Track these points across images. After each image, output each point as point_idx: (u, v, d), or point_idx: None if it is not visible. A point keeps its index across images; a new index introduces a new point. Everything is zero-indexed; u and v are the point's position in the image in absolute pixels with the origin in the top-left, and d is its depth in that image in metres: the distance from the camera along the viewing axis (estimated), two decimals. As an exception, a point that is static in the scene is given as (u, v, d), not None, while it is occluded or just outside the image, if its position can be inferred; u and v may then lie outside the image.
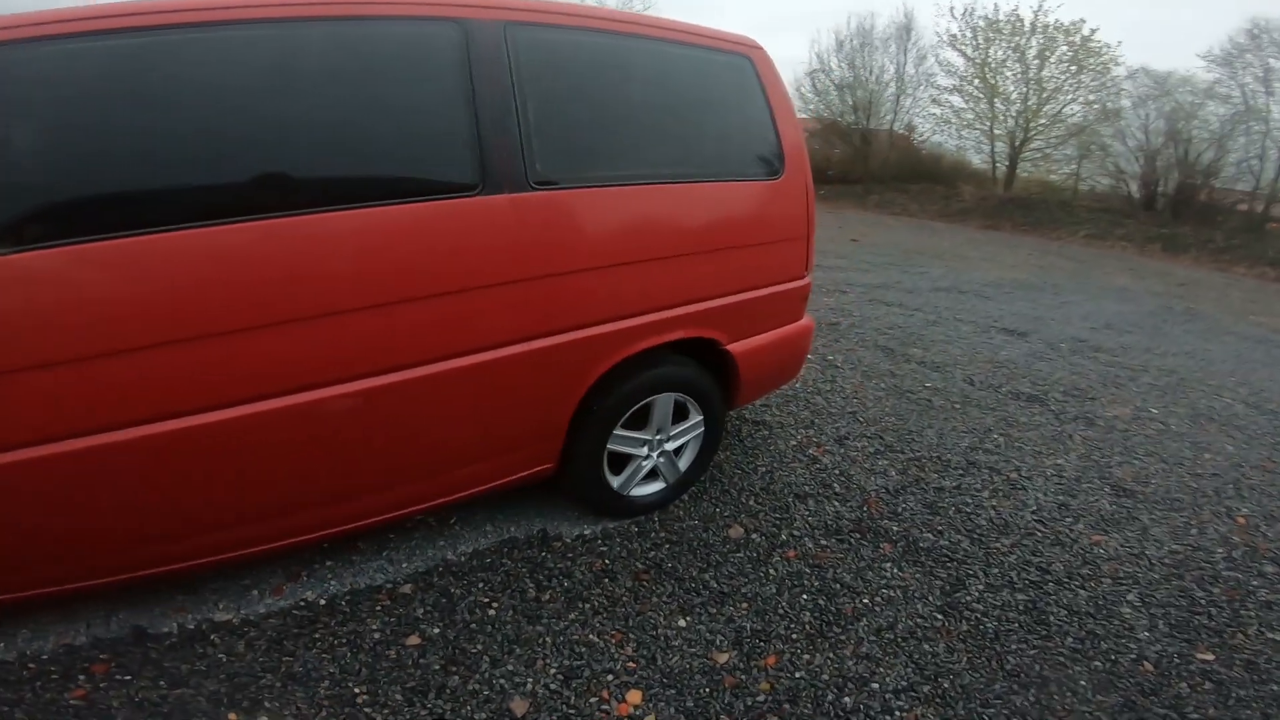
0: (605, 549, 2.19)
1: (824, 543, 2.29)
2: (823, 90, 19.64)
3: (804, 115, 22.90)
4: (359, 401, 1.62)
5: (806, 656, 1.81)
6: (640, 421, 2.25)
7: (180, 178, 1.43)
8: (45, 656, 1.65)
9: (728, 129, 2.25)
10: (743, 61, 2.25)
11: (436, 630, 1.81)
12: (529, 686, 1.66)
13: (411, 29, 1.62)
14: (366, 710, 1.57)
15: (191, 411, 1.44)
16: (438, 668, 1.69)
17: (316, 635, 1.77)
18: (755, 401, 3.21)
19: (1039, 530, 2.43)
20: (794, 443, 2.96)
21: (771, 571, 2.14)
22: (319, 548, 2.07)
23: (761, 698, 1.68)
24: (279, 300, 1.48)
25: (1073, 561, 2.27)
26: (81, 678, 1.60)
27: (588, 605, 1.94)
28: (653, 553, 2.19)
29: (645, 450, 2.31)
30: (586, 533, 2.26)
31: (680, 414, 2.34)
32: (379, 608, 1.88)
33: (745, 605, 1.99)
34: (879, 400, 3.49)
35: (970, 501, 2.58)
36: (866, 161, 18.95)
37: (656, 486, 2.41)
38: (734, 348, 2.30)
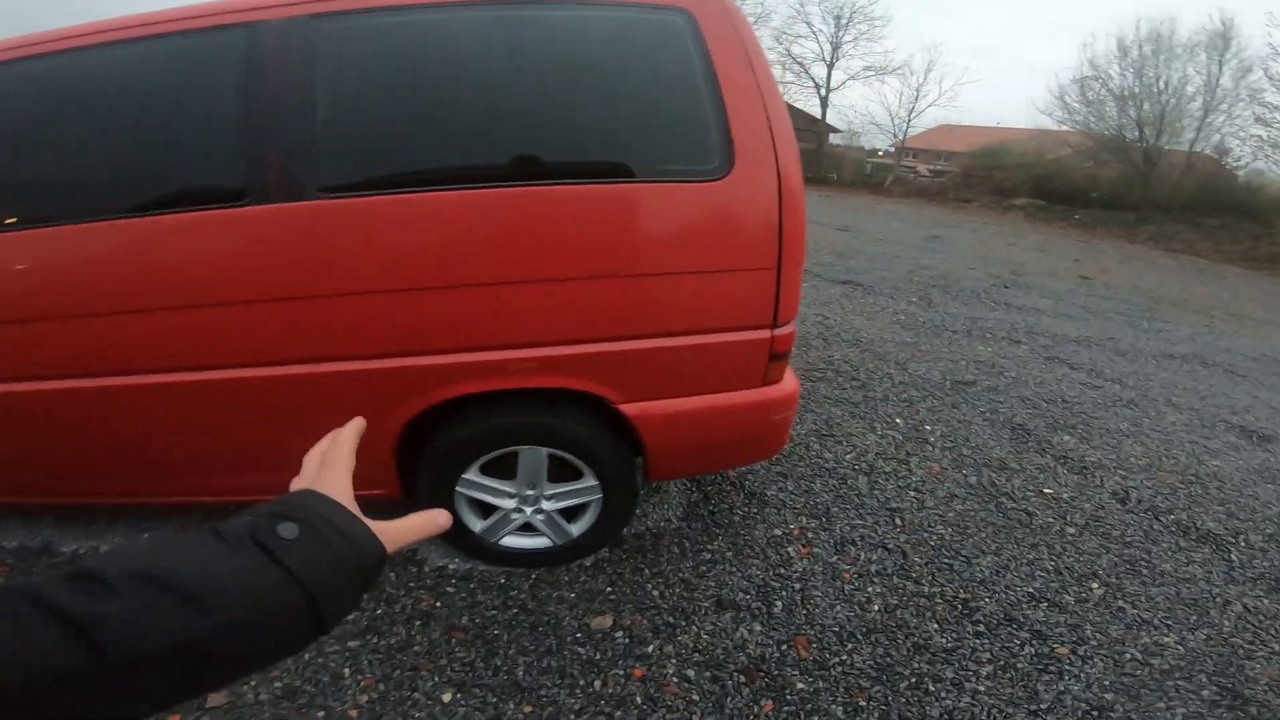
0: (450, 590, 1.91)
1: (690, 675, 1.64)
2: (1095, 100, 16.00)
3: (1067, 127, 19.02)
4: (123, 397, 1.62)
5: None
6: (509, 470, 1.83)
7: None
8: None
9: (627, 113, 1.60)
10: (674, 19, 1.57)
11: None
12: (249, 686, 1.58)
13: (196, 41, 1.54)
14: None
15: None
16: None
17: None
18: (729, 471, 2.53)
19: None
20: (779, 532, 2.22)
21: (599, 685, 1.61)
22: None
23: None
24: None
25: None
26: None
27: (376, 640, 1.73)
28: (492, 612, 1.83)
29: (513, 502, 1.88)
30: (451, 567, 2.01)
31: (574, 472, 1.85)
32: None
33: (531, 710, 1.52)
34: (949, 500, 2.49)
35: (959, 692, 1.63)
36: (1147, 184, 14.96)
37: (539, 543, 1.99)
38: (632, 409, 1.72)
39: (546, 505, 1.91)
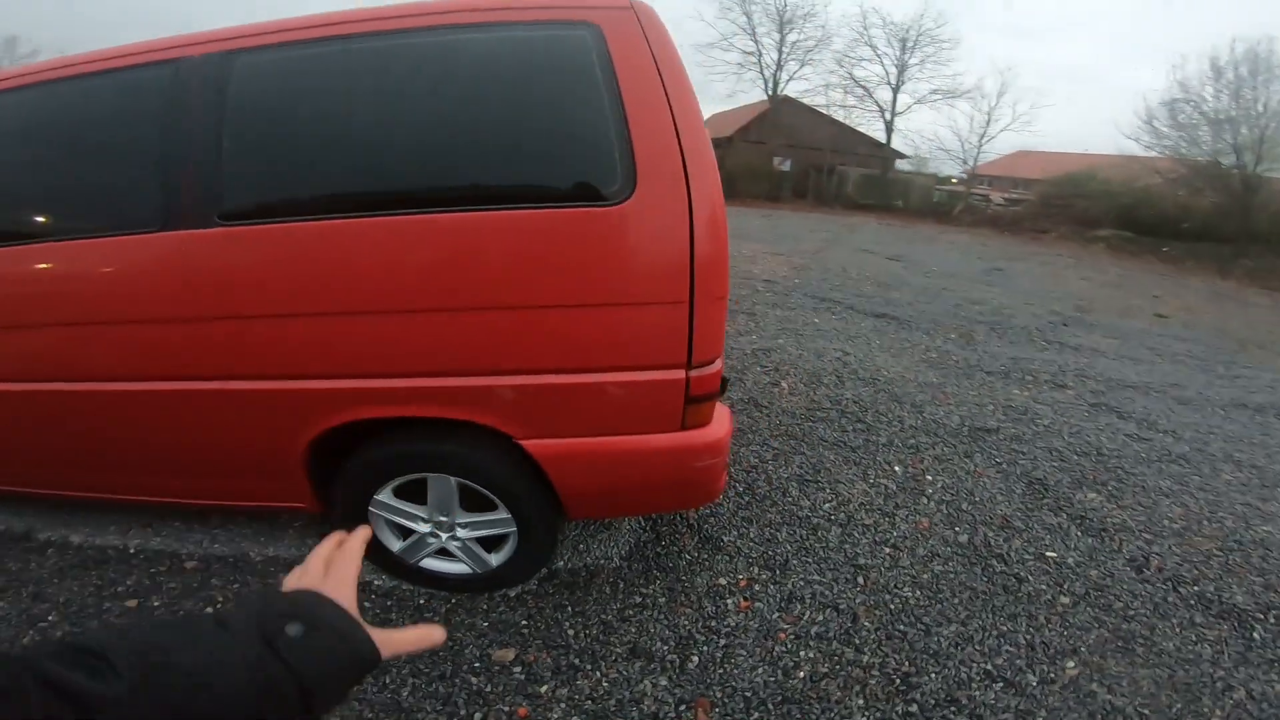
0: (366, 605, 1.82)
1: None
2: (1187, 124, 14.82)
3: (1156, 153, 17.67)
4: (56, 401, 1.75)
5: None
6: (422, 495, 1.79)
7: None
8: None
9: (528, 135, 1.53)
10: (580, 34, 1.52)
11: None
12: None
13: (131, 77, 1.62)
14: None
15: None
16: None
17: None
18: (649, 515, 2.39)
19: None
20: (723, 581, 2.06)
21: (478, 718, 1.54)
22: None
23: None
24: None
25: None
26: None
27: None
28: (378, 624, 1.72)
29: (427, 527, 1.84)
30: (376, 583, 2.01)
31: (491, 503, 1.79)
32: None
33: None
34: (928, 560, 2.25)
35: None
36: (1246, 215, 13.64)
37: (459, 569, 1.94)
38: (535, 446, 1.64)
39: (462, 533, 1.85)
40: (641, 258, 1.52)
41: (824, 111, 27.88)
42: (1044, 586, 2.13)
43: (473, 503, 1.81)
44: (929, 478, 2.91)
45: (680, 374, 1.57)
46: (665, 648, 1.77)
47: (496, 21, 1.56)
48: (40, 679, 0.33)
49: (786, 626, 1.86)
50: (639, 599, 1.97)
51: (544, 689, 1.62)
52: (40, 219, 1.71)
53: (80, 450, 1.86)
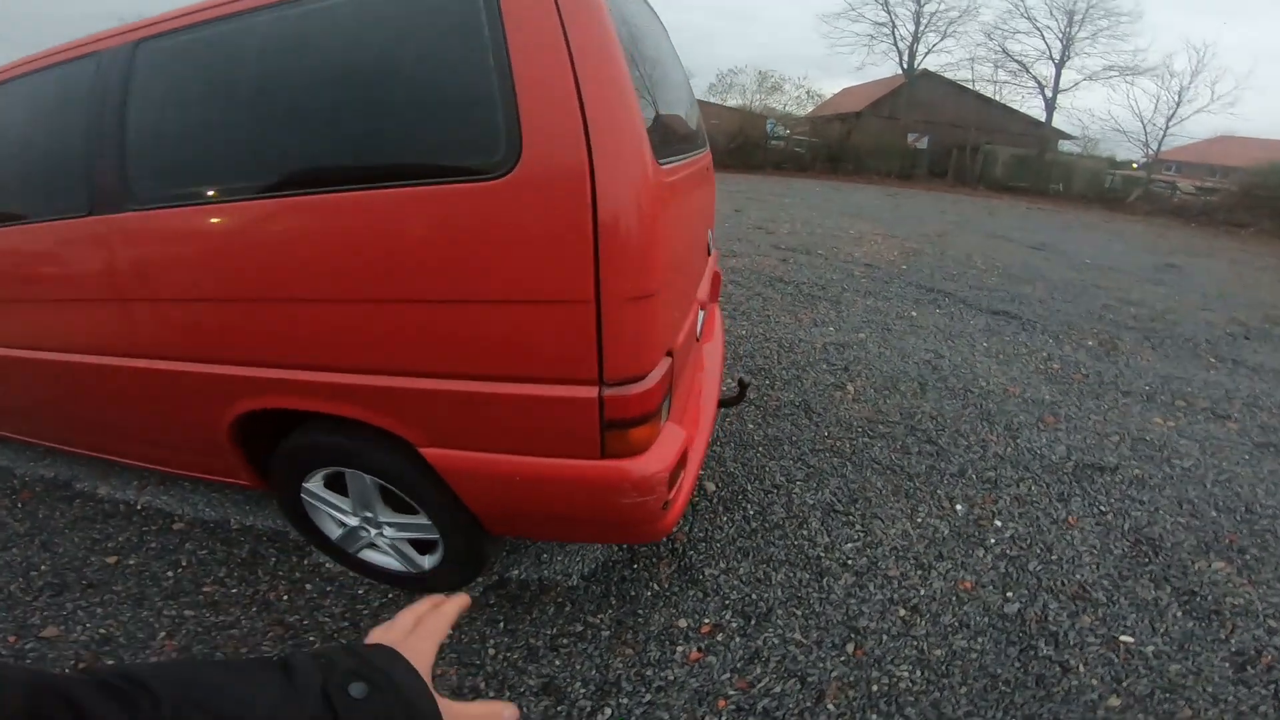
0: (309, 587, 1.92)
1: None
2: None
3: None
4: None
5: None
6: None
7: None
8: None
9: (409, 103, 1.26)
10: None
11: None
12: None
13: (65, 71, 1.65)
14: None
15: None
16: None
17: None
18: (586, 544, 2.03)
19: None
20: (684, 624, 1.77)
21: None
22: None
23: None
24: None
25: None
26: None
27: (212, 616, 1.81)
28: (324, 619, 1.79)
29: (355, 520, 1.75)
30: (326, 566, 2.00)
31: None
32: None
33: None
34: (950, 632, 1.78)
35: None
36: None
37: (396, 564, 1.84)
38: (433, 454, 1.44)
39: (389, 532, 1.73)
40: (530, 245, 1.21)
41: (969, 86, 24.98)
42: (1094, 682, 1.61)
43: (400, 504, 1.68)
44: (997, 523, 2.36)
45: (590, 391, 1.28)
46: (582, 691, 1.54)
47: None
48: (76, 710, 0.33)
49: (732, 693, 1.54)
50: (580, 627, 1.74)
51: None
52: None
53: (63, 414, 2.04)
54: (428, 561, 1.75)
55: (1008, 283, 6.57)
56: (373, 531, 1.75)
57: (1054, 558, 2.16)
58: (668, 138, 1.57)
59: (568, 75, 1.14)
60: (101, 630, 1.73)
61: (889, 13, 26.61)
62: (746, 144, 20.10)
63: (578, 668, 1.61)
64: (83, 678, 0.35)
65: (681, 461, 1.49)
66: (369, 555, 1.83)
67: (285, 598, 1.83)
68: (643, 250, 1.21)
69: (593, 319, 1.22)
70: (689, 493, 1.63)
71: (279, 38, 1.37)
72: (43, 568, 1.97)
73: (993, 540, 2.25)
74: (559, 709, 1.49)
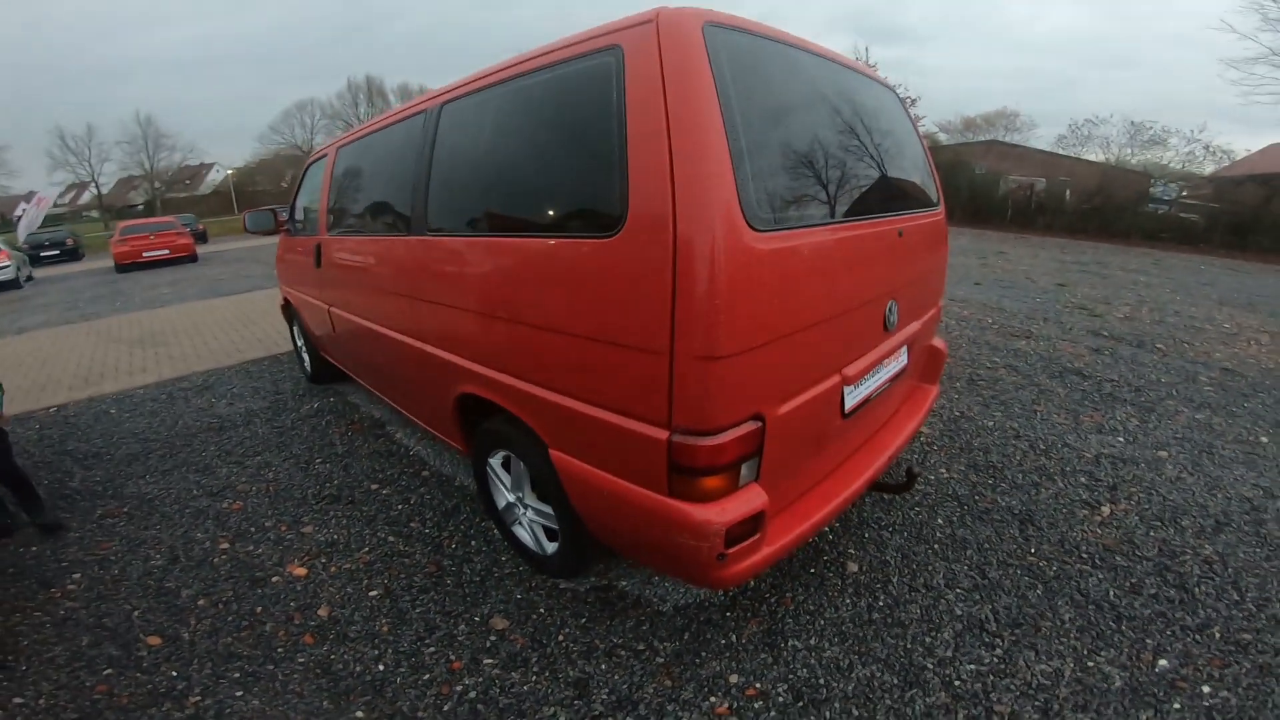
0: (464, 530, 2.55)
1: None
2: None
3: None
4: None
5: None
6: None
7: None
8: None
9: (560, 166, 1.70)
10: (606, 59, 1.52)
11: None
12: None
13: (406, 124, 2.54)
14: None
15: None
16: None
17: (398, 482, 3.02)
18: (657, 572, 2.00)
19: None
20: (734, 678, 1.79)
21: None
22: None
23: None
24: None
25: None
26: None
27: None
28: (461, 559, 2.37)
29: (511, 496, 2.28)
30: (490, 530, 2.57)
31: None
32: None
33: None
34: None
35: None
36: None
37: (530, 543, 2.29)
38: (556, 455, 1.84)
39: (530, 514, 2.19)
40: (625, 297, 1.48)
41: None
42: None
43: (543, 494, 2.11)
44: (1205, 688, 1.71)
45: (661, 433, 1.49)
46: (603, 697, 1.74)
47: (554, 62, 1.72)
48: None
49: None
50: (642, 647, 1.92)
51: (487, 663, 1.86)
52: (359, 222, 2.93)
53: (376, 367, 3.12)
54: (550, 547, 2.16)
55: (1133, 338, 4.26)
56: (521, 511, 2.24)
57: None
58: (838, 201, 1.76)
59: (663, 148, 1.39)
60: (336, 536, 2.57)
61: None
62: (1108, 205, 16.40)
63: (614, 678, 1.80)
64: None
65: (753, 524, 1.56)
66: (517, 530, 2.33)
67: (453, 546, 2.48)
68: (718, 314, 1.36)
69: (666, 370, 1.44)
70: (770, 558, 1.66)
71: (492, 110, 2.00)
72: (335, 481, 3.03)
73: (1179, 705, 1.65)
74: (577, 703, 1.73)
